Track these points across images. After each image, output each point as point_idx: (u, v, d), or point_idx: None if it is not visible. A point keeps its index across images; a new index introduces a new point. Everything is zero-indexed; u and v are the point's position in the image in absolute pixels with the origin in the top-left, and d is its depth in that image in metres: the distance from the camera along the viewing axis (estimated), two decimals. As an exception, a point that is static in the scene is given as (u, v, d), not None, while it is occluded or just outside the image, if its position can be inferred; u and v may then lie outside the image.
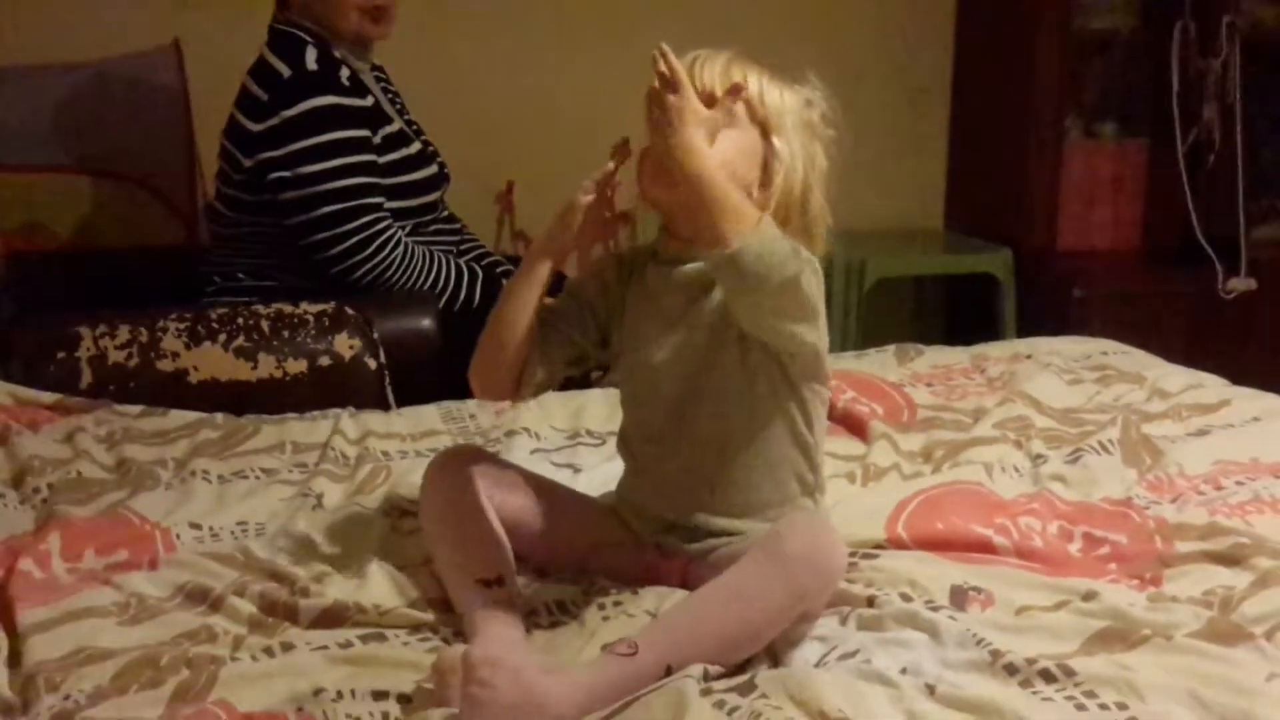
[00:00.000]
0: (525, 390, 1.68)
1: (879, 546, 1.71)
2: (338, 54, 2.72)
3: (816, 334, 1.61)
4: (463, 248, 2.93)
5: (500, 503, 1.67)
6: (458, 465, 1.70)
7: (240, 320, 2.44)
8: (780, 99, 1.65)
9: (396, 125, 2.81)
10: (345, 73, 2.72)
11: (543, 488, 1.76)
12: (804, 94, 1.69)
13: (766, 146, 1.62)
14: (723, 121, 1.58)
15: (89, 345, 2.36)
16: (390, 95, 2.89)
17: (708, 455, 1.65)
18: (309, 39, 2.70)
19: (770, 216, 1.55)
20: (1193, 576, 1.63)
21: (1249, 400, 2.23)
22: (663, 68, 1.53)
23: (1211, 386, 2.32)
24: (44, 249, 3.02)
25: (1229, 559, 1.66)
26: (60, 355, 2.34)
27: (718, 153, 1.55)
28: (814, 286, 1.56)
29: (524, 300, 1.64)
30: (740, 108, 1.61)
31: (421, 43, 3.32)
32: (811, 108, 1.69)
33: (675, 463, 1.66)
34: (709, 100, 1.59)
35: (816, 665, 1.45)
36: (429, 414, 2.29)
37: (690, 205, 1.51)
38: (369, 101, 2.75)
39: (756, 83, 1.63)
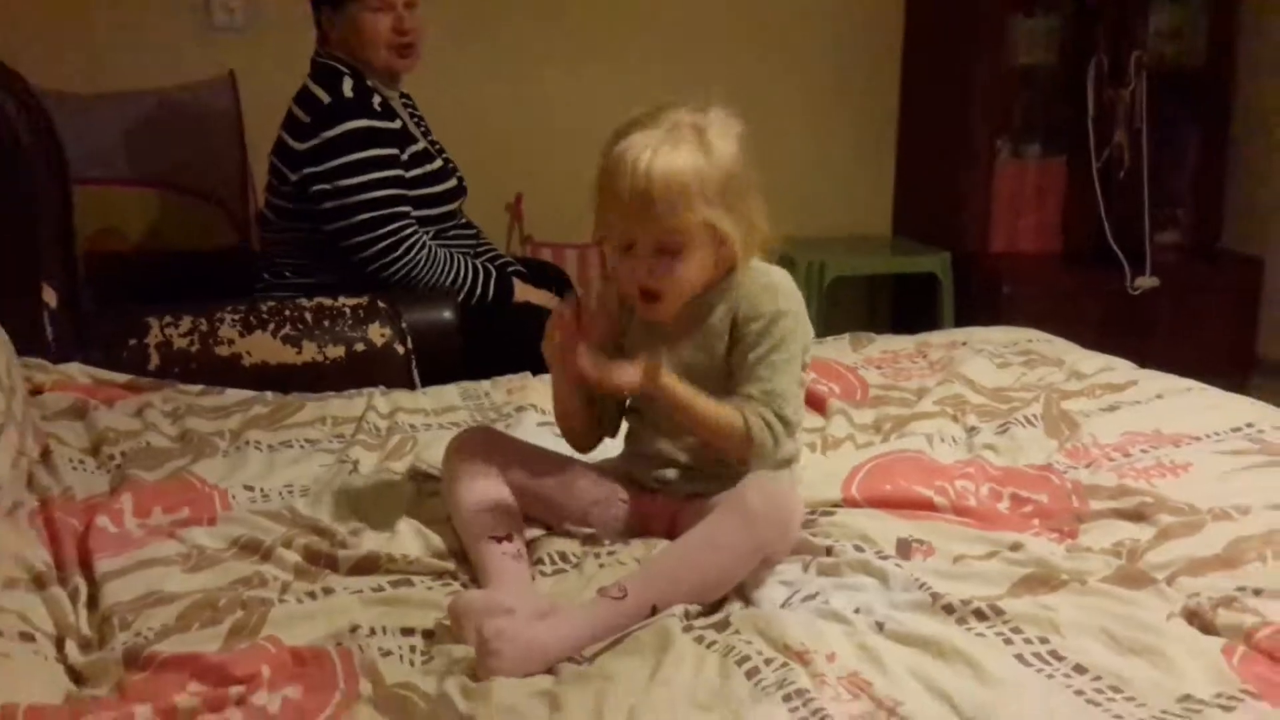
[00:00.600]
0: (608, 436, 1.77)
1: (836, 505, 1.70)
2: (370, 83, 2.71)
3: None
4: (479, 250, 2.92)
5: (510, 472, 1.67)
6: (474, 442, 1.71)
7: (287, 312, 2.43)
8: (713, 195, 1.54)
9: (421, 145, 2.80)
10: (377, 99, 2.71)
11: (548, 457, 1.75)
12: (722, 149, 1.56)
13: (717, 232, 1.57)
14: (675, 257, 1.56)
15: (157, 333, 2.35)
16: (416, 119, 2.89)
17: None
18: (346, 71, 2.69)
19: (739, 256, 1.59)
20: (1104, 530, 1.63)
21: (1153, 380, 2.23)
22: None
23: (1121, 369, 2.31)
24: (117, 251, 3.01)
25: (1135, 515, 1.66)
26: (132, 342, 2.34)
27: (683, 284, 1.58)
28: (795, 349, 1.62)
29: (565, 402, 1.70)
30: (682, 227, 1.54)
31: (443, 74, 3.31)
32: (729, 148, 1.57)
33: (680, 431, 1.67)
34: (664, 242, 1.55)
35: (782, 605, 1.44)
36: (449, 392, 2.28)
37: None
38: (397, 124, 2.74)
39: (692, 191, 1.53)
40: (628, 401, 1.74)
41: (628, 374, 1.54)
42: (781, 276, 1.67)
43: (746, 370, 1.61)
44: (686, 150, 1.52)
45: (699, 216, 1.53)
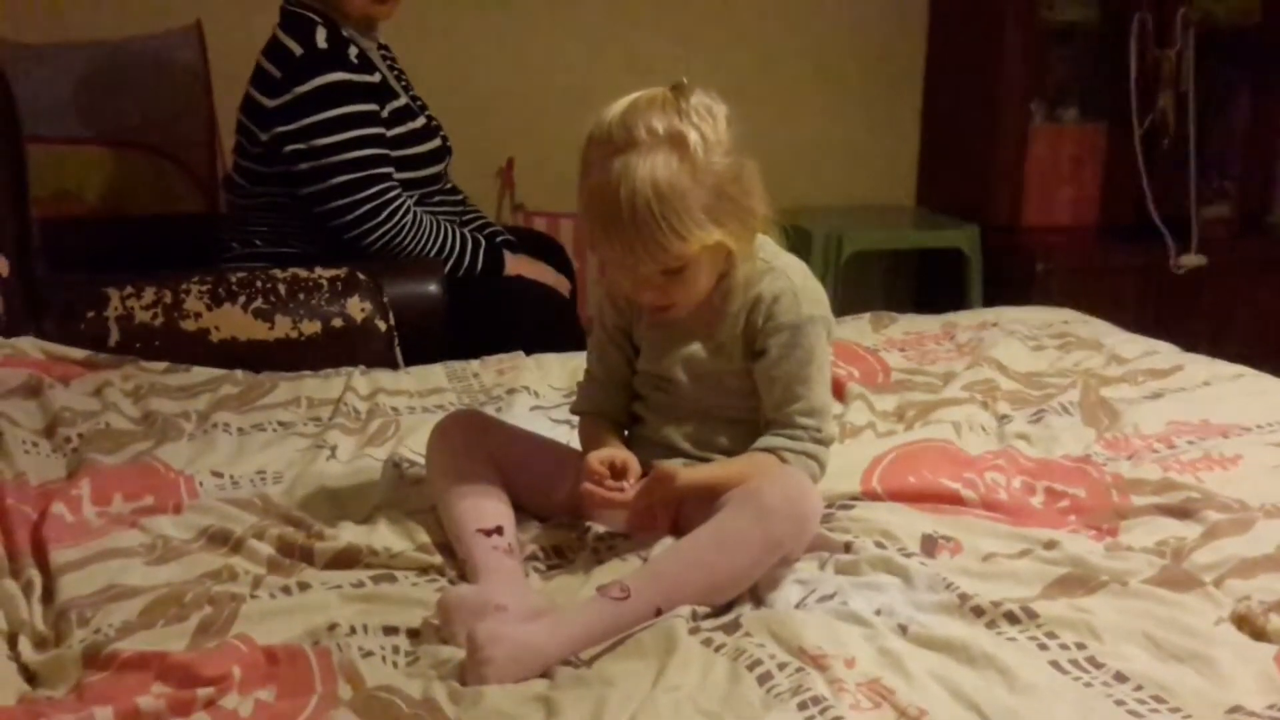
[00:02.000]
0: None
1: (855, 498, 1.71)
2: (346, 33, 2.70)
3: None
4: (465, 218, 2.92)
5: (500, 459, 1.67)
6: (460, 427, 1.72)
7: (258, 284, 2.43)
8: (706, 213, 1.54)
9: (402, 100, 2.79)
10: (354, 50, 2.70)
11: (540, 444, 1.76)
12: (707, 157, 1.54)
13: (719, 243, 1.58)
14: (678, 274, 1.57)
15: (117, 305, 2.35)
16: (396, 73, 2.88)
17: (718, 423, 1.69)
18: (318, 19, 2.67)
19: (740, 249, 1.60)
20: (1147, 528, 1.63)
21: (1199, 366, 2.24)
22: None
23: (1165, 353, 2.32)
24: (74, 215, 3.00)
25: (1180, 512, 1.66)
26: (90, 314, 2.33)
27: (692, 294, 1.60)
28: (825, 354, 1.66)
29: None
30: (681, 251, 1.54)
31: (425, 23, 3.30)
32: (714, 148, 1.55)
33: (685, 419, 1.69)
34: (664, 267, 1.56)
35: (797, 606, 1.44)
36: (435, 373, 2.28)
37: None
38: (376, 78, 2.73)
39: (684, 220, 1.52)
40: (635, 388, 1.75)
41: (648, 497, 1.58)
42: (797, 272, 1.67)
43: (779, 389, 1.64)
44: (668, 174, 1.51)
45: (695, 244, 1.54)
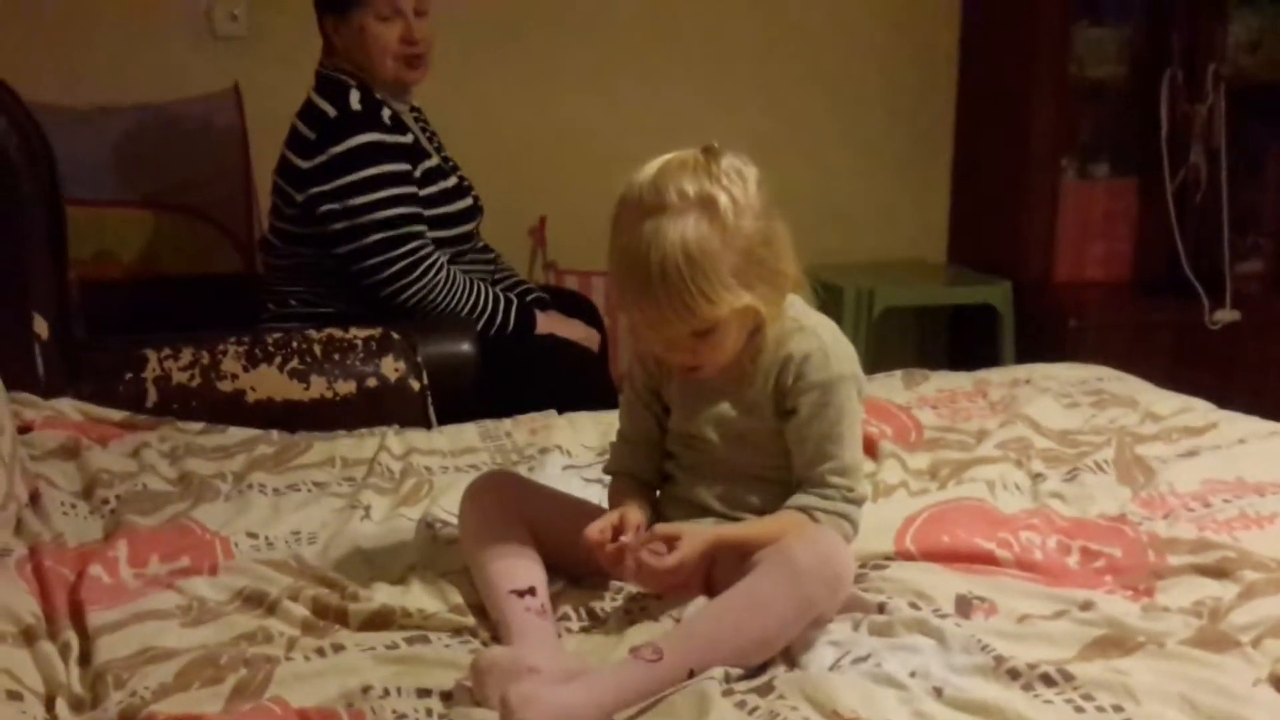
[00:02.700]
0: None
1: (888, 558, 1.70)
2: (379, 96, 2.75)
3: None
4: (497, 276, 2.94)
5: (533, 520, 1.68)
6: (494, 487, 1.72)
7: (294, 344, 2.45)
8: (736, 278, 1.55)
9: (434, 160, 2.83)
10: (387, 112, 2.74)
11: (572, 504, 1.77)
12: (738, 221, 1.55)
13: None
14: (708, 336, 1.58)
15: (155, 366, 2.38)
16: (428, 134, 2.92)
17: (750, 482, 1.69)
18: (352, 83, 2.72)
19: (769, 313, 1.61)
20: (1183, 588, 1.62)
21: (1235, 423, 2.22)
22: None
23: (1200, 410, 2.30)
24: (112, 277, 3.04)
25: (1217, 572, 1.64)
26: (128, 376, 2.36)
27: (722, 354, 1.61)
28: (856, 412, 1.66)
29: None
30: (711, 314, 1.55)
31: (457, 85, 3.34)
32: (745, 212, 1.55)
33: (717, 479, 1.70)
34: (690, 336, 1.57)
35: (831, 668, 1.44)
36: (468, 432, 2.29)
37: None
38: (409, 138, 2.77)
39: (714, 286, 1.53)
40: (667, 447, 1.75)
41: (676, 563, 1.56)
42: (827, 331, 1.68)
43: (810, 448, 1.64)
44: (698, 238, 1.52)
45: (724, 307, 1.55)
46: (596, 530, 1.60)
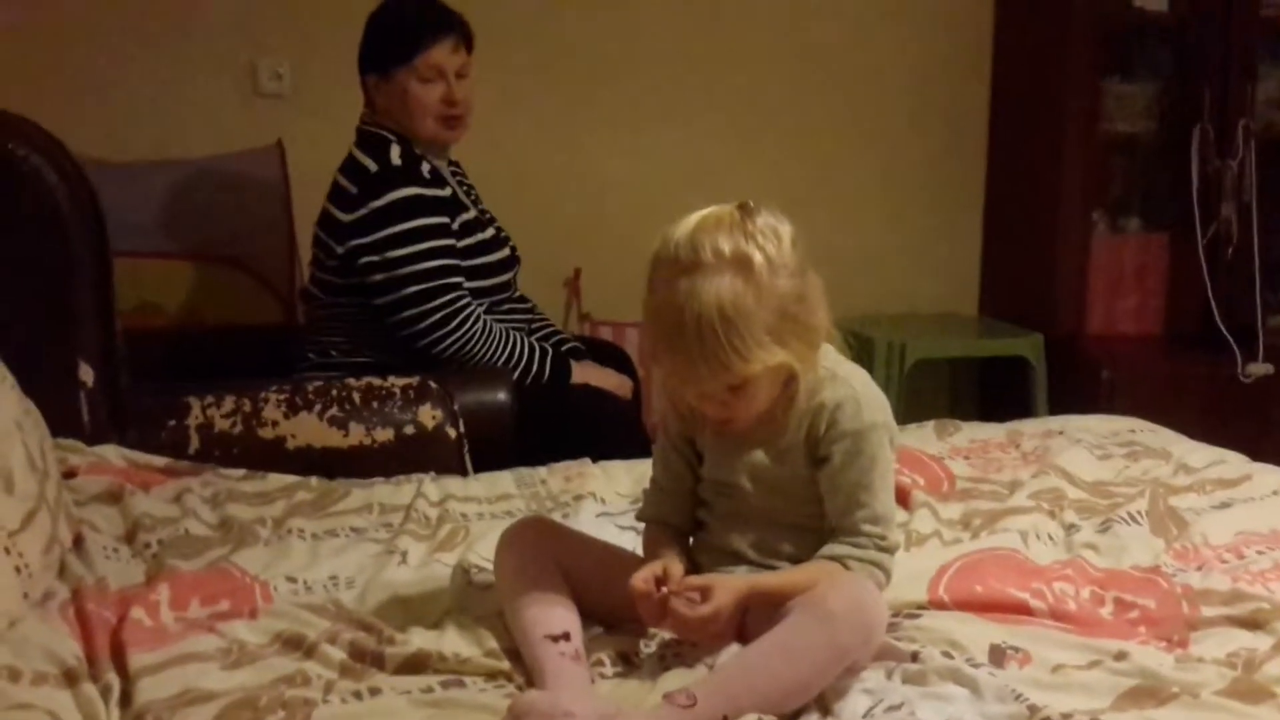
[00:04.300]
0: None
1: (921, 608, 1.69)
2: (418, 151, 2.78)
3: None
4: (533, 326, 2.96)
5: (567, 566, 1.68)
6: (529, 534, 1.73)
7: (334, 392, 2.47)
8: (769, 335, 1.55)
9: (472, 213, 2.85)
10: (426, 167, 2.77)
11: (606, 550, 1.77)
12: (772, 280, 1.55)
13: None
14: (741, 391, 1.58)
15: (197, 414, 2.40)
16: (465, 187, 2.95)
17: (783, 530, 1.69)
18: (393, 138, 2.76)
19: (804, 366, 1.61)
20: (1217, 639, 1.61)
21: (1269, 475, 2.20)
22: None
23: (1233, 462, 2.29)
24: (156, 326, 3.07)
25: (1251, 623, 1.63)
26: (171, 423, 2.39)
27: (754, 408, 1.61)
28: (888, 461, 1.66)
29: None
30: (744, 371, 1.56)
31: (495, 143, 3.38)
32: (779, 270, 1.56)
33: (750, 527, 1.69)
34: (723, 390, 1.58)
35: (864, 716, 1.43)
36: (504, 479, 2.30)
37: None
38: (447, 192, 2.80)
39: (748, 345, 1.54)
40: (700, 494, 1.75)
41: (711, 612, 1.56)
42: (859, 380, 1.68)
43: (843, 497, 1.64)
44: (733, 297, 1.52)
45: (758, 365, 1.55)
46: (641, 580, 1.60)
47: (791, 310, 1.57)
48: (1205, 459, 2.30)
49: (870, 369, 1.73)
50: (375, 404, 2.47)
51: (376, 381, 2.52)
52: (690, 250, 1.54)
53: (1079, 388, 3.59)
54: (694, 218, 1.58)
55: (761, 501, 1.68)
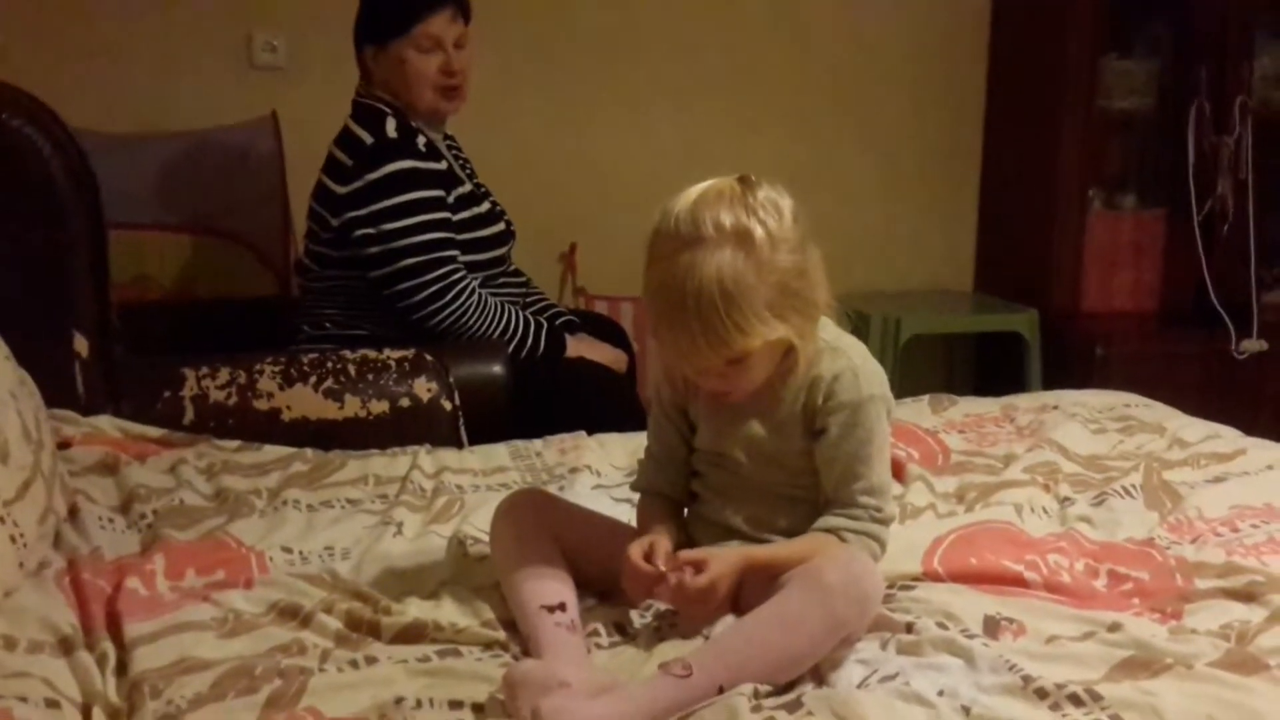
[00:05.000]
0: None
1: (916, 579, 1.70)
2: (414, 124, 2.77)
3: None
4: (528, 300, 2.96)
5: (563, 538, 1.68)
6: (524, 505, 1.73)
7: (329, 364, 2.47)
8: (769, 310, 1.54)
9: (467, 187, 2.85)
10: (422, 140, 2.76)
11: (601, 522, 1.77)
12: (772, 254, 1.54)
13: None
14: (740, 364, 1.58)
15: (192, 385, 2.40)
16: (461, 161, 2.94)
17: (777, 503, 1.69)
18: (388, 110, 2.75)
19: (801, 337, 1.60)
20: (1211, 611, 1.61)
21: (1263, 450, 2.21)
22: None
23: (1228, 437, 2.29)
24: (151, 299, 3.07)
25: (1245, 595, 1.63)
26: (166, 394, 2.38)
27: (753, 380, 1.60)
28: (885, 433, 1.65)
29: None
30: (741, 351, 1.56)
31: (492, 117, 3.38)
32: (780, 244, 1.55)
33: (745, 500, 1.69)
34: (722, 364, 1.57)
35: (859, 686, 1.44)
36: (499, 452, 2.30)
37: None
38: (443, 165, 2.79)
39: (747, 320, 1.52)
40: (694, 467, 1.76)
41: (709, 582, 1.56)
42: (857, 352, 1.68)
43: (839, 468, 1.64)
44: (733, 272, 1.51)
45: (757, 339, 1.54)
46: (639, 550, 1.60)
47: (792, 285, 1.56)
48: (1199, 434, 2.30)
49: (866, 344, 1.72)
50: (370, 376, 2.47)
51: (371, 354, 2.51)
52: (691, 224, 1.53)
53: (1074, 364, 3.60)
54: (694, 191, 1.57)
55: (756, 473, 1.68)
